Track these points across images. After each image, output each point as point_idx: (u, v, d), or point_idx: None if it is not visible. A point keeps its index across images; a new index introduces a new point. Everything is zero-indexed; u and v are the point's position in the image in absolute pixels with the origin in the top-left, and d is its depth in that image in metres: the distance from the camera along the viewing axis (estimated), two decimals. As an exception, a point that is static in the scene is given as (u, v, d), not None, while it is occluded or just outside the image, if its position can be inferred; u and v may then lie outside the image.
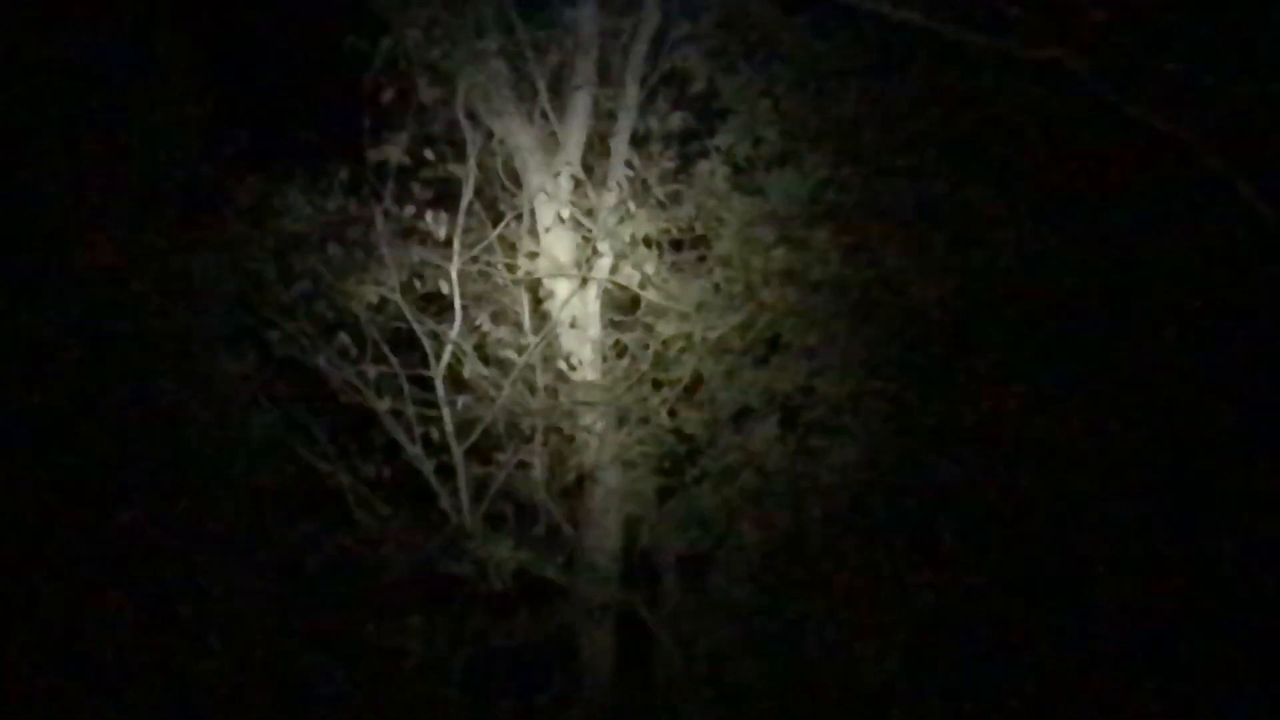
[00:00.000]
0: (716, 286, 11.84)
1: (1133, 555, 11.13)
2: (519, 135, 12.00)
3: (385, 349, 11.76)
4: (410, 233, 11.86)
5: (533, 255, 11.96)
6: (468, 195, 11.79)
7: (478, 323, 11.90)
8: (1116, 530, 11.12)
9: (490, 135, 11.97)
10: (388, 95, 11.82)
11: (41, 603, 11.08)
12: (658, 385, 11.80)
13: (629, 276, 11.92)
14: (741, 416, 11.79)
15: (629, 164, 12.06)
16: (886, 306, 11.50)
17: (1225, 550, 11.01)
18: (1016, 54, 10.52)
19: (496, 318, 11.99)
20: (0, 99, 11.53)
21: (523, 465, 11.78)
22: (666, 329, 11.82)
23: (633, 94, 12.12)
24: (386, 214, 11.79)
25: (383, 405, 11.74)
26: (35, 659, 11.06)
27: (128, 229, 11.54)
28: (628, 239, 11.84)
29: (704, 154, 12.04)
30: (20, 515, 11.10)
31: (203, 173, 11.75)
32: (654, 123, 12.09)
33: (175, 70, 11.73)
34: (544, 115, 12.01)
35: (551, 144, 12.04)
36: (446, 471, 11.68)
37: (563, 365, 11.87)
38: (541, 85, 11.99)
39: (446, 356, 11.70)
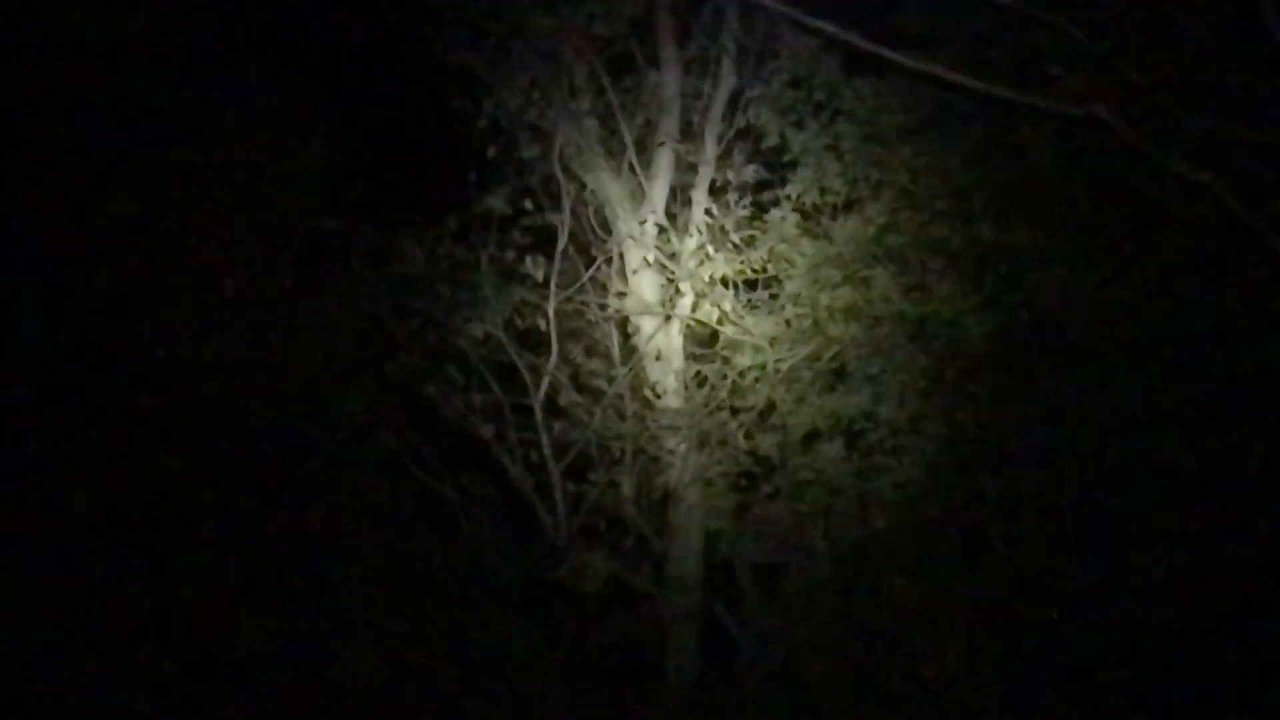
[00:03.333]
0: (788, 322, 12.62)
1: (1173, 560, 11.78)
2: (609, 187, 12.81)
3: (490, 379, 12.54)
4: (511, 275, 12.68)
5: (621, 295, 12.78)
6: (563, 241, 12.65)
7: (572, 356, 12.68)
8: (1152, 539, 11.83)
9: (583, 187, 12.78)
10: (491, 151, 12.73)
11: (184, 605, 12.05)
12: (734, 411, 12.59)
13: (708, 313, 12.69)
14: (810, 439, 12.54)
15: (708, 212, 12.81)
16: (941, 338, 12.25)
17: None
18: (1057, 110, 10.86)
19: (589, 351, 12.78)
20: (143, 157, 12.55)
21: (613, 484, 12.53)
22: (742, 360, 12.63)
23: (711, 149, 12.89)
24: (490, 258, 12.63)
25: (487, 430, 12.52)
26: (177, 656, 12.03)
27: (260, 272, 12.50)
28: (707, 280, 12.64)
29: (775, 202, 12.79)
30: (167, 525, 12.09)
31: (326, 222, 12.61)
32: (730, 174, 12.83)
33: (303, 130, 12.65)
34: (631, 169, 12.79)
35: (638, 194, 12.82)
36: (545, 489, 12.48)
37: (649, 394, 12.67)
38: (629, 141, 12.78)
39: (544, 386, 12.51)
